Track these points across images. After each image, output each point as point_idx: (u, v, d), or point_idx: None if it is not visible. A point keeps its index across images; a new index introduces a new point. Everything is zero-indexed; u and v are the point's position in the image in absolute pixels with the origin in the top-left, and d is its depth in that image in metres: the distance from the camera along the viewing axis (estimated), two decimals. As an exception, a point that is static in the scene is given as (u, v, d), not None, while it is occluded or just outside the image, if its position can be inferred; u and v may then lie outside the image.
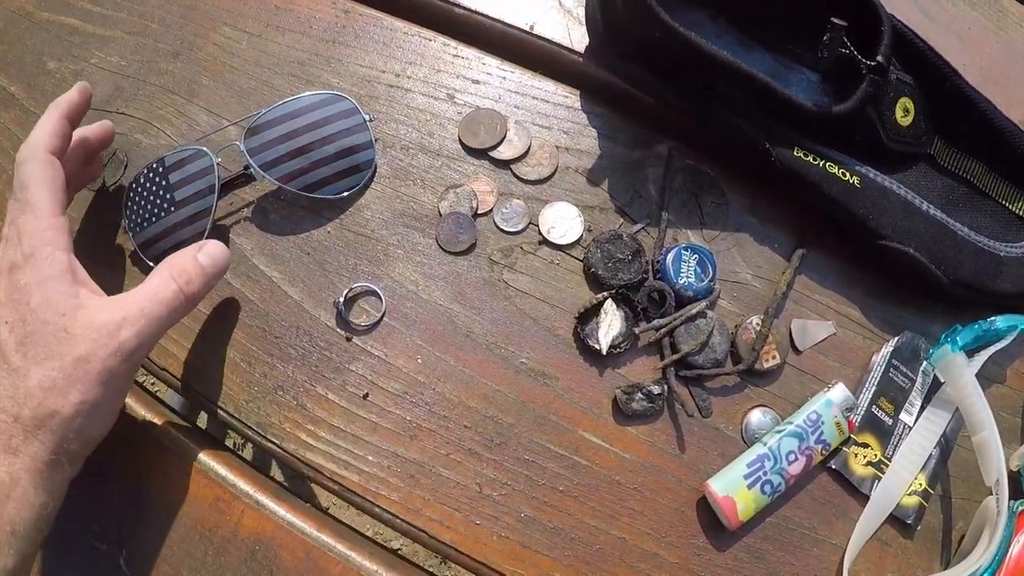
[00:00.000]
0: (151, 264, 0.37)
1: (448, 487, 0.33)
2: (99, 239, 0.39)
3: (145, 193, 0.36)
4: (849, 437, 0.33)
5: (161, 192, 0.36)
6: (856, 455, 0.33)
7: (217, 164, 0.35)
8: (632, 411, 0.33)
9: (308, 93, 0.36)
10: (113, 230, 0.38)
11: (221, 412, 0.36)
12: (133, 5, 0.44)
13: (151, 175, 0.36)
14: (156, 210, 0.36)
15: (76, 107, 0.35)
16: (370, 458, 0.34)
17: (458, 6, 0.39)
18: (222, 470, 0.34)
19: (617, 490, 0.33)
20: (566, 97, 0.37)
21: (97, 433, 0.31)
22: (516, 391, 0.34)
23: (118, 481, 0.34)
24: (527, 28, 0.38)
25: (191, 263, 0.33)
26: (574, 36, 0.38)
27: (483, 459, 0.33)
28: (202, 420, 0.45)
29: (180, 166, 0.35)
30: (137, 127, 0.41)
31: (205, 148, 0.35)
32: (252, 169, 0.35)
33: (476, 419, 0.34)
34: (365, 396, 0.34)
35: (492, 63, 0.38)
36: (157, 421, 0.36)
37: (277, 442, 0.35)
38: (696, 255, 0.34)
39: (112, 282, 0.38)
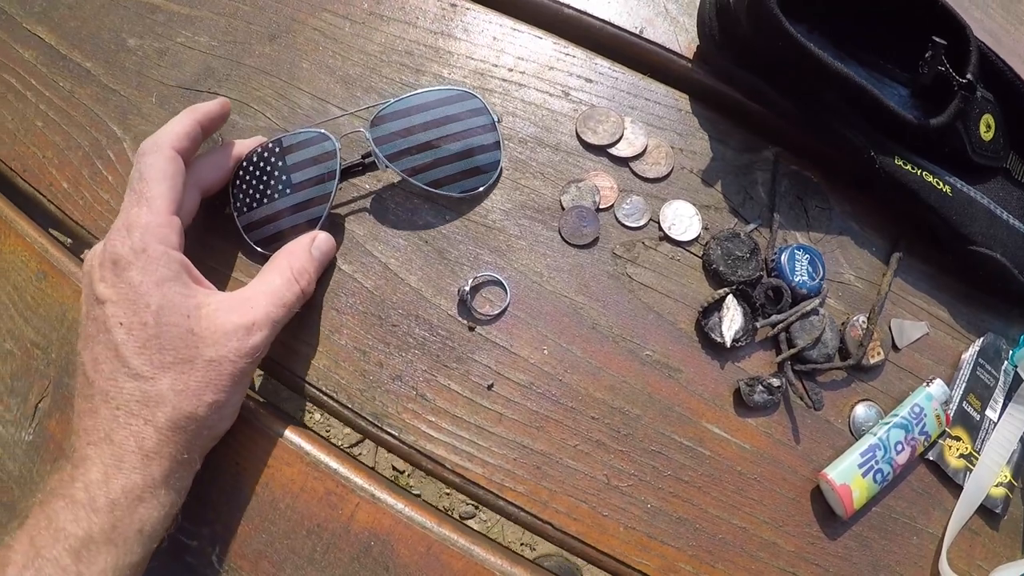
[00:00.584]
0: (255, 247, 0.35)
1: (576, 479, 0.33)
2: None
3: (258, 173, 0.35)
4: (945, 430, 0.35)
5: (276, 173, 0.34)
6: (950, 447, 0.36)
7: (339, 149, 0.34)
8: (754, 403, 0.34)
9: (437, 87, 0.36)
10: (206, 209, 0.36)
11: (331, 401, 0.34)
12: (220, -17, 0.43)
13: (267, 155, 0.34)
14: (269, 191, 0.34)
15: (213, 118, 0.34)
16: (495, 449, 0.33)
17: (568, 7, 0.40)
18: (334, 463, 0.33)
19: (738, 480, 0.34)
20: (676, 100, 0.38)
21: (225, 427, 0.31)
22: (642, 382, 0.34)
23: (212, 473, 0.32)
24: (636, 31, 0.39)
25: (309, 260, 0.33)
26: (681, 42, 0.39)
27: (611, 450, 0.33)
28: (290, 405, 0.43)
29: (299, 148, 0.34)
30: (233, 108, 0.40)
31: (327, 132, 0.34)
32: (376, 158, 0.34)
33: (603, 410, 0.34)
34: (490, 386, 0.34)
35: (603, 64, 0.39)
36: (259, 410, 0.34)
37: (395, 433, 0.34)
38: (807, 255, 0.36)
39: (209, 264, 0.36)
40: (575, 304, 0.35)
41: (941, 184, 0.36)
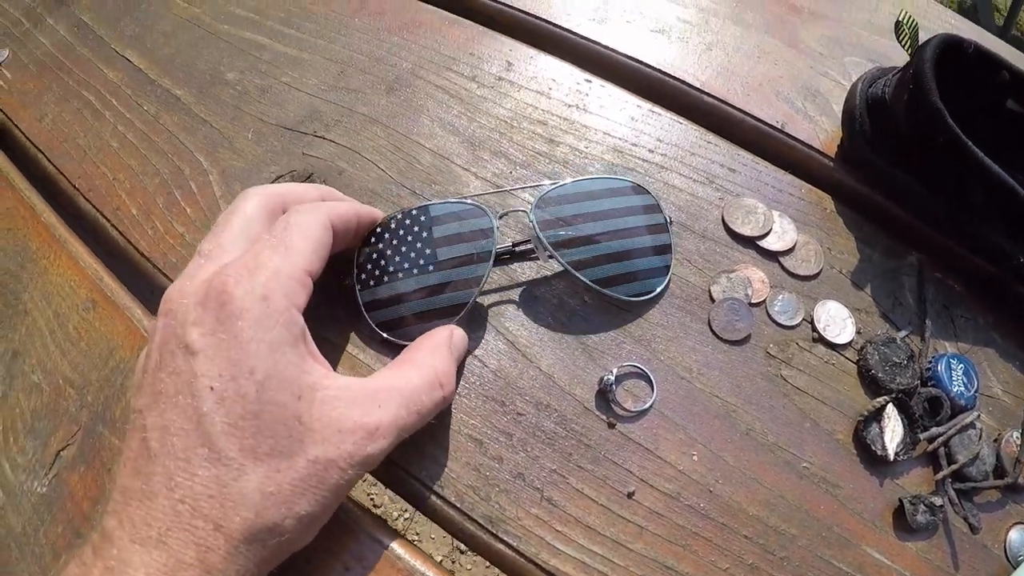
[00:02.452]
0: (377, 329, 0.32)
1: (730, 606, 0.30)
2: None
3: (395, 243, 0.32)
4: (1099, 560, 0.33)
5: (418, 246, 0.31)
6: (1105, 579, 0.34)
7: (496, 228, 0.31)
8: (916, 524, 0.32)
9: (607, 176, 0.34)
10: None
11: (435, 498, 0.30)
12: (336, 35, 0.41)
13: (408, 223, 0.32)
14: (407, 266, 0.31)
15: (366, 223, 0.31)
16: (633, 569, 0.30)
17: (708, 95, 0.40)
18: (423, 567, 0.29)
19: (901, 612, 0.31)
20: (819, 199, 0.38)
21: (303, 544, 0.25)
22: (799, 498, 0.32)
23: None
24: (778, 125, 0.39)
25: (452, 361, 0.28)
26: (822, 139, 0.39)
27: (765, 575, 0.30)
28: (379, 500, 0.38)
29: (447, 221, 0.31)
30: (340, 154, 0.38)
31: (484, 207, 0.31)
32: (538, 244, 0.31)
33: (758, 528, 0.31)
34: (631, 495, 0.31)
35: (745, 155, 0.38)
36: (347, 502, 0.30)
37: (512, 543, 0.30)
38: (962, 364, 0.34)
39: (321, 335, 0.32)
40: (728, 406, 0.33)
41: (1086, 300, 0.36)
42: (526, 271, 0.35)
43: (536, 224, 0.31)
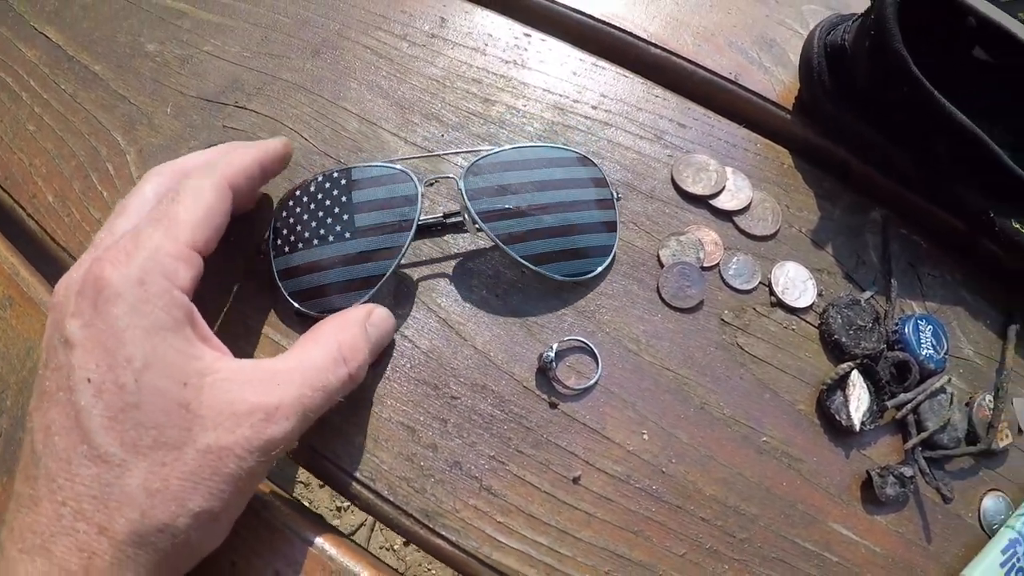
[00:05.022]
0: (290, 299, 0.29)
1: (687, 595, 0.27)
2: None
3: (313, 207, 0.29)
4: (1079, 525, 0.32)
5: (336, 211, 0.28)
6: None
7: (421, 195, 0.28)
8: (886, 496, 0.29)
9: (550, 144, 0.31)
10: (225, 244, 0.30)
11: (366, 492, 0.28)
12: (259, -5, 0.38)
13: (328, 186, 0.29)
14: (322, 232, 0.28)
15: (275, 161, 0.28)
16: (582, 560, 0.27)
17: (656, 46, 0.37)
18: (348, 561, 0.26)
19: (870, 592, 0.29)
20: (777, 154, 0.35)
21: (211, 547, 0.23)
22: (759, 475, 0.29)
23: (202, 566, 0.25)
24: (731, 77, 0.36)
25: (364, 339, 0.26)
26: (778, 91, 0.36)
27: (725, 559, 0.28)
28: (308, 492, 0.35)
29: (370, 185, 0.28)
30: (261, 124, 0.34)
31: (409, 172, 0.28)
32: (467, 217, 0.29)
33: (716, 510, 0.28)
34: (576, 479, 0.28)
35: (697, 109, 0.35)
36: (263, 492, 0.27)
37: (451, 537, 0.27)
38: (930, 325, 0.32)
39: (220, 319, 0.29)
40: (679, 379, 0.30)
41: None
42: (460, 243, 0.32)
43: (465, 192, 0.28)
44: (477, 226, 0.29)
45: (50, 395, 0.21)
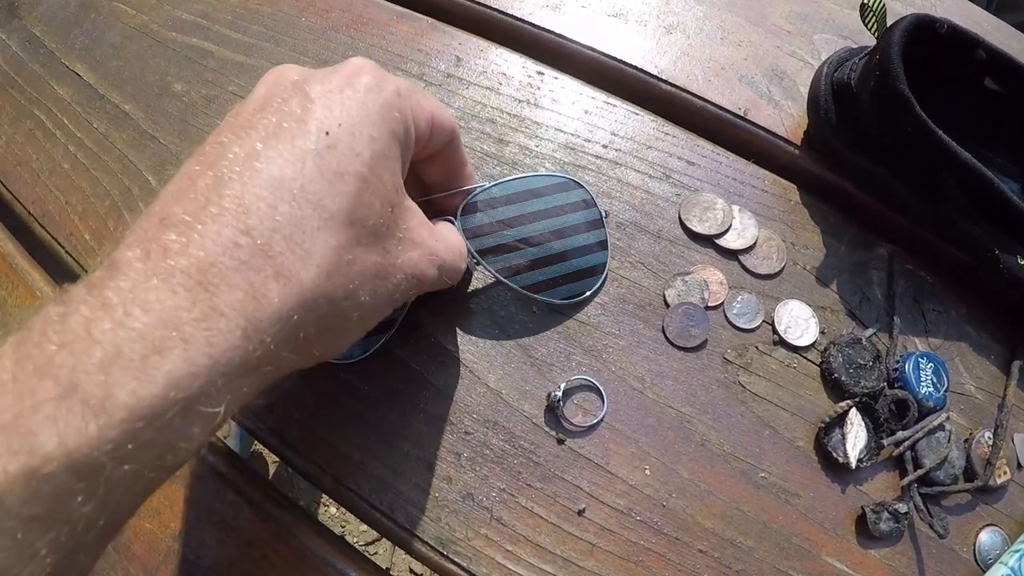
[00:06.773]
0: None
1: (685, 623, 0.29)
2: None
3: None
4: (1075, 560, 0.32)
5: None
6: (1081, 579, 0.33)
7: None
8: (880, 532, 0.31)
9: (538, 174, 0.32)
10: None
11: (385, 520, 0.30)
12: (283, 36, 0.39)
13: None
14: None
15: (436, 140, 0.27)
16: (586, 587, 0.29)
17: (666, 82, 0.37)
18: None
19: (862, 623, 0.30)
20: (784, 190, 0.36)
21: (316, 358, 0.21)
22: (756, 509, 0.31)
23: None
24: (740, 112, 0.37)
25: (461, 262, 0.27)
26: (787, 126, 0.37)
27: (722, 588, 0.30)
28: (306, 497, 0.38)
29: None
30: None
31: None
32: (469, 253, 0.30)
33: (713, 542, 0.30)
34: (581, 512, 0.30)
35: (705, 145, 0.36)
36: (282, 515, 0.30)
37: (463, 563, 0.29)
38: (931, 363, 0.33)
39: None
40: (682, 416, 0.31)
41: (1066, 289, 0.34)
42: (470, 282, 0.33)
43: (462, 232, 0.30)
44: (476, 261, 0.30)
45: (265, 128, 0.19)
